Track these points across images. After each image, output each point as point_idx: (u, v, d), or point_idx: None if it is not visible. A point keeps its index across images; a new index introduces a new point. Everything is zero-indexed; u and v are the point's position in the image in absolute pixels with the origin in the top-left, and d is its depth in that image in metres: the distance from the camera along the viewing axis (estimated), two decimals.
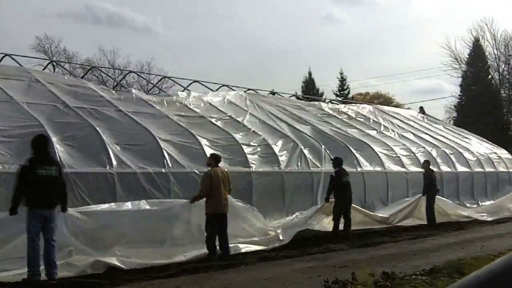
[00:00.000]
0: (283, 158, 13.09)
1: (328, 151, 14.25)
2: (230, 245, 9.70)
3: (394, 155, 16.39)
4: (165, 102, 13.50)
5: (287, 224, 11.41)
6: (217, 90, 17.21)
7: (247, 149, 12.51)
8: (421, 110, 26.50)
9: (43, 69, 17.38)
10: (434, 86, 67.50)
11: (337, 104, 22.39)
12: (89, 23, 62.75)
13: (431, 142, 19.24)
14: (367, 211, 13.30)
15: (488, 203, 17.96)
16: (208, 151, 11.27)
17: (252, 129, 13.72)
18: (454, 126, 28.04)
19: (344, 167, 12.69)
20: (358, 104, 22.84)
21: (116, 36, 63.98)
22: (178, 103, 13.82)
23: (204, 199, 9.53)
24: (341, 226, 12.09)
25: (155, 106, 13.00)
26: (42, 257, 7.11)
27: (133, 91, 14.16)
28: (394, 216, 13.75)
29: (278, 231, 10.88)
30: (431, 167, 15.48)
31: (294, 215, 11.94)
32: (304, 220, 11.60)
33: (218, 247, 9.42)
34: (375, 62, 75.12)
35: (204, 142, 11.75)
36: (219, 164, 10.05)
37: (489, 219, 16.23)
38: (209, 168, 9.84)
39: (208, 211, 9.46)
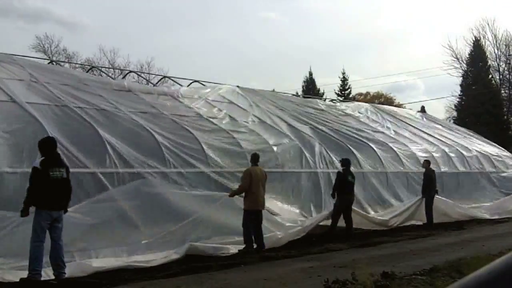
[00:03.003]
0: (283, 157, 13.09)
1: (327, 151, 14.26)
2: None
3: (393, 155, 16.39)
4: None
5: (287, 230, 11.33)
6: None
7: (246, 147, 12.54)
8: (422, 110, 26.62)
9: None
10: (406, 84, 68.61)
11: (335, 102, 22.46)
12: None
13: (431, 142, 19.24)
14: (365, 214, 13.24)
15: (489, 203, 17.89)
16: (208, 150, 11.35)
17: (251, 128, 13.74)
18: (456, 125, 28.02)
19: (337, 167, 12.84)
20: (356, 103, 22.92)
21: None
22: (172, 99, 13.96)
23: (243, 195, 10.04)
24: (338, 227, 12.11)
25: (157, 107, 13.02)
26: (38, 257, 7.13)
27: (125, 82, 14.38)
28: (395, 219, 13.72)
29: (278, 233, 10.86)
30: (431, 166, 15.44)
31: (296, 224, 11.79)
32: (305, 228, 11.57)
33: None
34: (374, 62, 75.18)
35: (202, 140, 11.75)
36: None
37: (490, 217, 16.19)
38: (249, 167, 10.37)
39: (246, 207, 9.94)
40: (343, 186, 12.17)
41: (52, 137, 8.15)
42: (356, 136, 16.41)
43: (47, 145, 7.51)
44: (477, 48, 44.45)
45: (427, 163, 15.40)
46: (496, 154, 21.21)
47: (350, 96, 46.98)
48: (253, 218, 9.93)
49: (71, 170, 7.90)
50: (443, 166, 17.73)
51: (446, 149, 18.90)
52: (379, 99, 48.92)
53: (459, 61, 46.19)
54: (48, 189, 7.16)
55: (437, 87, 69.39)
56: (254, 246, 9.89)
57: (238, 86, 17.06)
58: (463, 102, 44.78)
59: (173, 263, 8.59)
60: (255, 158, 10.58)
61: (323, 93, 45.47)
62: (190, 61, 65.66)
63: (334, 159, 13.98)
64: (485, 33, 45.67)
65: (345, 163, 12.68)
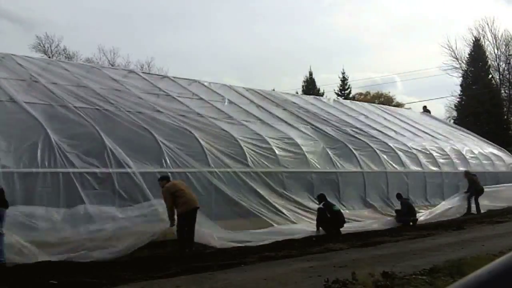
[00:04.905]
0: (283, 156, 13.12)
1: (329, 151, 14.28)
2: None
3: (393, 154, 16.39)
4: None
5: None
6: None
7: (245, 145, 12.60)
8: (425, 109, 26.67)
9: None
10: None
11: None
12: None
13: (430, 141, 19.23)
14: None
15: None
16: (207, 150, 11.39)
17: (247, 125, 13.82)
18: (456, 125, 28.05)
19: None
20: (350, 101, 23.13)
21: None
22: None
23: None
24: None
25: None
26: None
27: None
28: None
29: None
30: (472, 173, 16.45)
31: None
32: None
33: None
34: (372, 62, 75.24)
35: (202, 140, 11.77)
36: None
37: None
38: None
39: (180, 211, 9.55)
40: (332, 216, 12.02)
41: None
42: (358, 136, 16.47)
43: None
44: (477, 48, 44.44)
45: (469, 174, 16.51)
46: (495, 154, 21.19)
47: (350, 96, 46.97)
48: (189, 217, 9.63)
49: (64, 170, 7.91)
50: (444, 166, 17.71)
51: (447, 149, 18.90)
52: (379, 99, 48.92)
53: (458, 61, 46.28)
54: None
55: (436, 87, 69.36)
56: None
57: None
58: (463, 102, 44.78)
59: (173, 262, 8.59)
60: (164, 179, 10.03)
61: (323, 93, 45.48)
62: (189, 61, 65.67)
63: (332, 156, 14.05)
64: (485, 33, 45.74)
65: (322, 198, 12.40)
